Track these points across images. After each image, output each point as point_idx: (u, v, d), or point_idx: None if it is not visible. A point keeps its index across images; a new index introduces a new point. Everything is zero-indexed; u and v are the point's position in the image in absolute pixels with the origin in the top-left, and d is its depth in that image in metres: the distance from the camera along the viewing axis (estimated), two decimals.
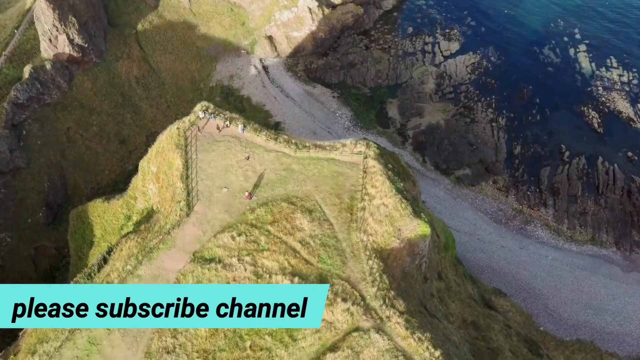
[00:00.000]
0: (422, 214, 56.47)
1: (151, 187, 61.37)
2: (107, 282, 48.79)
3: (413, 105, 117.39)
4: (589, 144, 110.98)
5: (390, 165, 59.95)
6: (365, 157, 58.56)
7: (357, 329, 44.05)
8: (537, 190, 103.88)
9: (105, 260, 52.53)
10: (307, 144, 60.66)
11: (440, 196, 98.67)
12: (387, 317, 44.97)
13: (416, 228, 53.28)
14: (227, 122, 62.02)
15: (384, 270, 49.03)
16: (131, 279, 48.91)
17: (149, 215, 60.87)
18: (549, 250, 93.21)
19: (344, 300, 45.67)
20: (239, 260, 48.99)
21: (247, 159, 58.42)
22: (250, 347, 43.79)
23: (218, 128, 60.97)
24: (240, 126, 61.29)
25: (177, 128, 61.53)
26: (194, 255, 50.11)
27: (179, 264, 49.60)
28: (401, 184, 57.76)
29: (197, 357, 43.70)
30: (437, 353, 42.93)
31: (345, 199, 55.26)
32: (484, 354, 54.77)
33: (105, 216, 72.82)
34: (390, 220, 52.84)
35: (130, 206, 69.26)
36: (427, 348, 43.03)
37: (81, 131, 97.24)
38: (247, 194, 54.00)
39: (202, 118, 62.91)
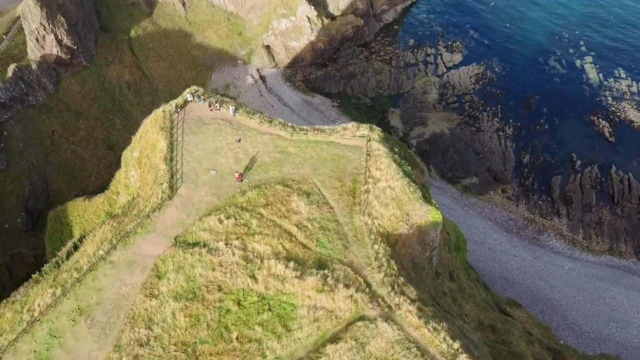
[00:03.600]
0: (432, 200, 50.76)
1: (133, 173, 55.76)
2: (76, 269, 42.64)
3: (416, 114, 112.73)
4: (601, 153, 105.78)
5: (396, 149, 54.65)
6: (369, 140, 53.25)
7: (361, 318, 37.89)
8: (549, 199, 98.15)
9: (76, 248, 46.46)
10: (304, 127, 55.48)
11: (447, 204, 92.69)
12: (397, 305, 38.82)
13: (426, 214, 47.48)
14: (218, 105, 56.95)
15: (391, 256, 43.03)
16: (103, 265, 42.86)
17: (130, 206, 55.05)
18: (565, 260, 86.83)
19: (347, 286, 39.69)
20: (226, 244, 43.20)
21: (239, 142, 53.20)
22: (237, 338, 37.57)
23: (210, 106, 56.01)
24: (232, 108, 56.25)
25: (163, 111, 56.50)
26: (175, 239, 44.31)
27: (158, 248, 43.70)
28: (408, 167, 52.26)
29: (175, 351, 37.34)
30: (456, 345, 36.58)
31: (347, 182, 49.69)
32: (506, 358, 48.05)
33: (86, 215, 66.86)
34: (397, 203, 47.11)
35: (112, 202, 63.39)
36: (445, 339, 36.73)
37: (67, 135, 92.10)
38: (237, 175, 48.53)
39: (191, 101, 57.94)
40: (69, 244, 47.49)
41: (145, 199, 48.88)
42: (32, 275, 45.96)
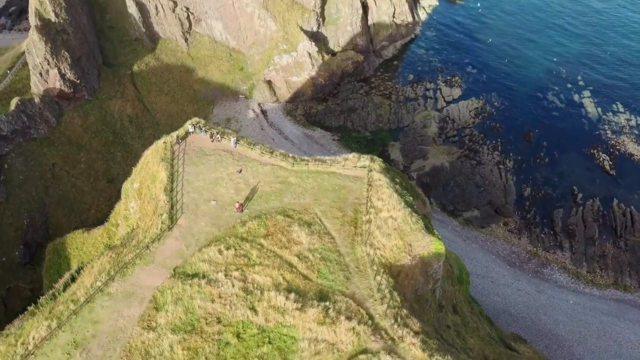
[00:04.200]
0: (435, 231, 50.24)
1: (132, 205, 55.34)
2: (72, 301, 41.81)
3: (416, 147, 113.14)
4: (602, 186, 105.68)
5: (397, 180, 54.39)
6: (370, 171, 53.07)
7: (364, 351, 36.78)
8: (551, 232, 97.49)
9: (73, 279, 45.68)
10: (305, 158, 55.43)
11: (448, 237, 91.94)
12: (400, 337, 37.82)
13: (429, 245, 46.83)
14: (219, 136, 57.05)
15: (394, 287, 42.25)
16: (100, 297, 42.02)
17: (129, 237, 54.45)
18: (569, 294, 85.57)
19: (349, 318, 38.71)
20: (226, 275, 42.39)
21: (239, 172, 53.00)
22: None
23: (211, 137, 56.11)
24: (233, 139, 56.30)
25: (164, 142, 56.48)
26: (174, 270, 43.52)
27: (156, 280, 42.89)
28: (410, 198, 51.89)
29: None
30: None
31: (348, 212, 49.25)
32: None
33: (84, 247, 66.16)
34: (399, 233, 46.56)
35: (111, 234, 62.81)
36: None
37: (67, 168, 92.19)
38: (237, 205, 48.11)
39: (193, 133, 58.07)
40: (67, 275, 46.75)
41: (145, 230, 48.36)
42: (28, 308, 45.02)
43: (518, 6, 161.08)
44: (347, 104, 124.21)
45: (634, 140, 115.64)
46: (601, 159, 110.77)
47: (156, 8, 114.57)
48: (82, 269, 46.89)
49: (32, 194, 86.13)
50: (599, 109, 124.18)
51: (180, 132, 58.12)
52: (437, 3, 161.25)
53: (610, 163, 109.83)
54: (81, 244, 66.91)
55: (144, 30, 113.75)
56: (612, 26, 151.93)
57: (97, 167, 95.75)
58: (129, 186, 58.90)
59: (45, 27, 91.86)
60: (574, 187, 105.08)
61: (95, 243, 64.77)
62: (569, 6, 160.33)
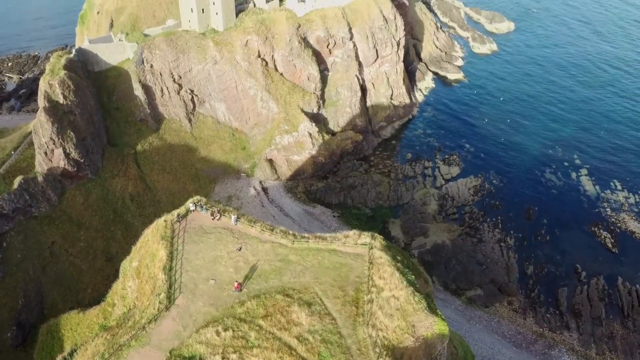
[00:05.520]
0: (438, 311, 49.19)
1: (130, 284, 54.57)
2: None
3: (416, 225, 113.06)
4: (605, 264, 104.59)
5: (399, 258, 53.97)
6: (371, 248, 52.82)
7: None
8: (557, 312, 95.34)
9: None
10: (305, 235, 55.33)
11: (451, 317, 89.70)
12: None
13: (432, 325, 45.75)
14: (219, 214, 57.26)
15: None
16: None
17: (125, 317, 53.24)
18: None
19: None
20: (223, 358, 41.27)
21: (239, 250, 52.76)
22: None
23: (212, 215, 56.25)
24: (234, 217, 56.52)
25: (165, 220, 56.63)
26: (170, 353, 42.25)
27: None
28: (412, 276, 51.26)
29: None
30: None
31: (349, 291, 48.52)
32: None
33: (79, 329, 64.28)
34: (402, 314, 45.60)
35: (107, 314, 61.28)
36: None
37: (67, 246, 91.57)
38: (236, 284, 47.53)
39: (194, 210, 58.34)
40: (59, 358, 45.23)
41: (142, 310, 47.43)
42: None
43: (510, 90, 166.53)
44: (347, 181, 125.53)
45: (634, 217, 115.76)
46: (603, 237, 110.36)
47: (162, 90, 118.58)
48: (75, 351, 45.56)
49: (29, 273, 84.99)
50: (597, 187, 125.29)
51: (181, 210, 58.46)
52: (434, 85, 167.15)
53: (612, 241, 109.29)
54: (76, 325, 65.11)
55: (149, 111, 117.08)
56: (603, 112, 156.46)
57: (97, 245, 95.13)
58: (128, 265, 58.36)
59: (53, 109, 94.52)
60: (577, 265, 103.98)
61: (90, 324, 63.04)
62: (559, 91, 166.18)
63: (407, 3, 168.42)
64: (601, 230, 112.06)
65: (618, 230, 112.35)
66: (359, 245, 53.65)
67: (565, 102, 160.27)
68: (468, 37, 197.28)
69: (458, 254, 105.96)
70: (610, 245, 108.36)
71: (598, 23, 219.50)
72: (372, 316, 45.30)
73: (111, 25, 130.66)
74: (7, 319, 79.33)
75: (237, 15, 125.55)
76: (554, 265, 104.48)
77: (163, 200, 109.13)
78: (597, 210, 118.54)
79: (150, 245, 53.92)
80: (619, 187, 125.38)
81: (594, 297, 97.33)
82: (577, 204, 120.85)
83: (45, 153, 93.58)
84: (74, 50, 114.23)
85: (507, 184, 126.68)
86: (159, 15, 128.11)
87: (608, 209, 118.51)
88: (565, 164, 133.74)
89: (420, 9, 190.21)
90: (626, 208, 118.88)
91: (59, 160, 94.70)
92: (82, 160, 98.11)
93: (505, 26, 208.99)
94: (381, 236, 56.19)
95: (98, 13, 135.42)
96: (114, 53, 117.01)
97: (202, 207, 58.73)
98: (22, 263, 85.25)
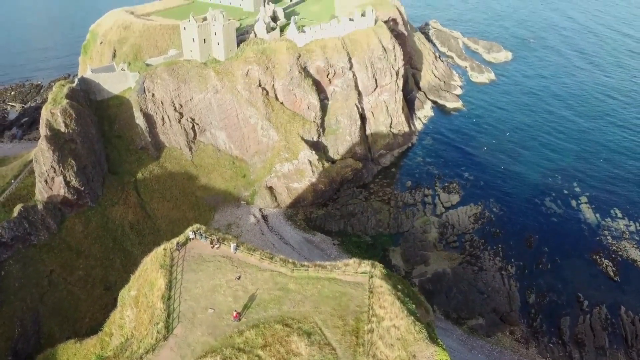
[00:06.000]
0: (439, 340, 48.60)
1: (128, 313, 54.02)
2: None
3: (417, 253, 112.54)
4: (607, 293, 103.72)
5: (399, 287, 53.60)
6: (371, 277, 52.50)
7: None
8: (560, 341, 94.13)
9: None
10: (305, 264, 55.05)
11: (453, 347, 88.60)
12: None
13: (434, 356, 45.09)
14: (218, 242, 57.09)
15: None
16: None
17: (122, 348, 52.59)
18: None
19: None
20: None
21: (238, 279, 52.40)
22: None
23: (212, 243, 56.08)
24: (233, 245, 56.34)
25: (164, 249, 56.42)
26: None
27: None
28: (413, 305, 50.83)
29: None
30: None
31: (349, 320, 48.01)
32: None
33: (75, 359, 63.54)
34: (403, 344, 45.02)
35: (104, 344, 60.53)
36: None
37: (65, 274, 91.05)
38: (235, 313, 47.09)
39: (193, 239, 58.21)
40: None
41: (140, 339, 46.91)
42: None
43: (509, 120, 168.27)
44: (347, 209, 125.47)
45: (635, 246, 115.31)
46: (604, 265, 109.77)
47: (163, 119, 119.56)
48: None
49: (27, 302, 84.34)
50: (598, 215, 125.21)
51: (181, 238, 58.29)
52: (433, 114, 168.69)
53: (614, 269, 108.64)
54: (72, 355, 64.33)
55: (150, 139, 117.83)
56: (602, 141, 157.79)
57: (95, 274, 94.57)
58: (126, 294, 57.86)
59: (54, 137, 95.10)
60: (579, 294, 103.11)
61: (87, 354, 62.26)
62: (557, 121, 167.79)
63: (406, 33, 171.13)
64: (602, 259, 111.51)
65: (619, 259, 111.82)
66: (359, 274, 53.32)
67: (564, 132, 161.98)
68: (466, 67, 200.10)
69: (459, 283, 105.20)
70: (612, 273, 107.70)
71: (593, 53, 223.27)
72: (372, 346, 44.76)
73: (114, 55, 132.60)
74: (4, 348, 78.37)
75: (238, 45, 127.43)
76: (555, 294, 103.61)
77: (163, 229, 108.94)
78: (597, 238, 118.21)
79: (149, 274, 53.61)
80: (620, 215, 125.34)
81: (597, 327, 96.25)
82: (578, 232, 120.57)
83: (46, 181, 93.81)
84: (76, 80, 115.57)
85: (507, 212, 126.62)
86: (161, 45, 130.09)
87: (609, 237, 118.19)
88: (565, 192, 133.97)
89: (419, 39, 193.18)
90: (627, 236, 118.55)
91: (59, 188, 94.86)
92: (82, 188, 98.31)
93: (502, 56, 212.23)
94: (381, 264, 55.84)
95: (101, 43, 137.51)
96: (116, 82, 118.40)
97: (201, 235, 58.59)
98: (20, 292, 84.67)
